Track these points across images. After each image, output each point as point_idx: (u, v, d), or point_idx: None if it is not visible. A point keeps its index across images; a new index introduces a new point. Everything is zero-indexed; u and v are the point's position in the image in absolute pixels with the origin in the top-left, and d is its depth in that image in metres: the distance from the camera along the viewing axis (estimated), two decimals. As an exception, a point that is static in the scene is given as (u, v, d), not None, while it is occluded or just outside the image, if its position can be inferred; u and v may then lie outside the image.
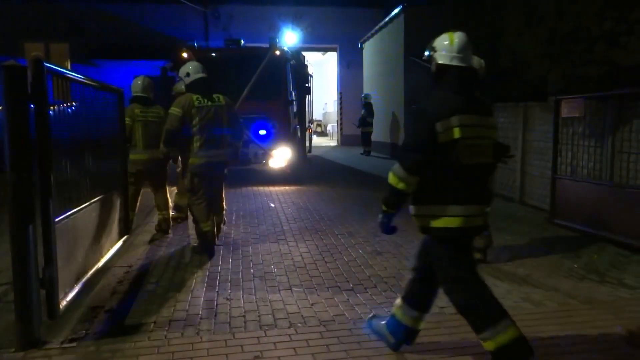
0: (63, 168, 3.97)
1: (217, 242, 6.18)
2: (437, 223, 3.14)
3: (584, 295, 4.48)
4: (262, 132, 10.83)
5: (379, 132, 19.02)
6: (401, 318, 3.36)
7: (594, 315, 4.04)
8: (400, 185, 3.07)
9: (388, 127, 17.76)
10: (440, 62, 3.17)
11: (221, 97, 5.95)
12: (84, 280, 4.34)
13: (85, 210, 4.48)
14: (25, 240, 3.40)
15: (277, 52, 11.04)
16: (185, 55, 10.60)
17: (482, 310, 3.07)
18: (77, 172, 4.36)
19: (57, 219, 3.70)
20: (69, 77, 4.01)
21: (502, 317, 3.04)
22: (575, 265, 5.32)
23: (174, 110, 5.69)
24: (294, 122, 12.04)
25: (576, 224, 6.69)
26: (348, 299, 4.44)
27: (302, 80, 12.39)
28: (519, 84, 9.08)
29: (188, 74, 5.94)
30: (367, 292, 4.63)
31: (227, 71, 10.32)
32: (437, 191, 3.09)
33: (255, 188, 10.74)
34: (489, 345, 3.03)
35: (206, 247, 5.80)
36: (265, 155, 10.91)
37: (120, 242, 5.83)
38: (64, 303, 3.80)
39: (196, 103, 5.67)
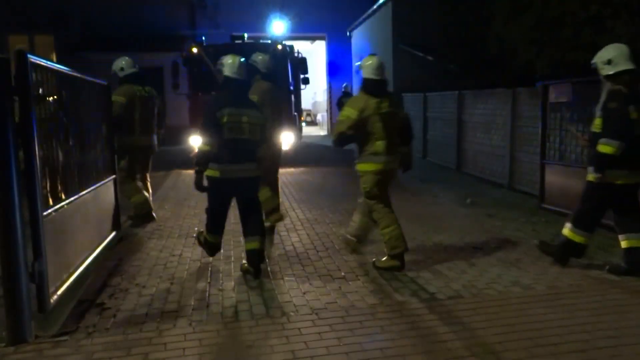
0: (50, 161, 3.94)
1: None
2: (207, 173, 4.67)
3: (572, 278, 4.54)
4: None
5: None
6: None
7: (582, 298, 4.10)
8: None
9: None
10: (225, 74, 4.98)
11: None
12: (75, 274, 4.31)
13: (74, 203, 4.45)
14: (13, 234, 3.38)
15: (279, 47, 12.55)
16: (195, 50, 12.08)
17: None
18: (66, 165, 4.32)
19: (45, 213, 3.67)
20: (53, 70, 3.96)
21: None
22: (563, 249, 5.37)
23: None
24: (293, 110, 13.05)
25: (565, 208, 6.74)
26: (340, 287, 4.46)
27: (300, 71, 13.33)
28: (507, 70, 9.12)
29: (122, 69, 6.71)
30: (359, 279, 4.66)
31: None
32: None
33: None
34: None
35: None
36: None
37: (111, 235, 5.81)
38: (54, 297, 3.78)
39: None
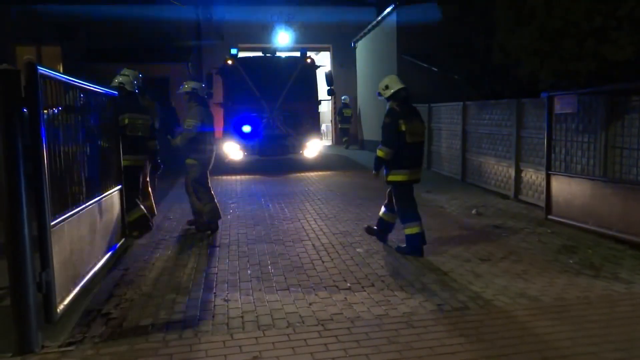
0: (59, 171, 3.96)
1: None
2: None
3: (579, 290, 4.51)
4: (296, 126, 13.32)
5: (373, 131, 19.04)
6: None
7: (590, 310, 4.07)
8: None
9: (381, 125, 17.79)
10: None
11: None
12: (81, 284, 4.33)
13: (82, 213, 4.47)
14: (21, 244, 3.39)
15: (308, 60, 13.71)
16: (229, 62, 13.27)
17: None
18: (74, 175, 4.35)
19: (52, 223, 3.69)
20: (62, 81, 4.00)
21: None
22: (570, 261, 5.36)
23: None
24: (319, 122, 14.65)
25: (571, 219, 6.74)
26: (346, 298, 4.45)
27: (326, 83, 14.60)
28: (511, 80, 9.13)
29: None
30: (365, 290, 4.65)
31: (264, 76, 13.13)
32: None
33: (253, 186, 10.75)
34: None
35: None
36: (302, 146, 13.32)
37: (117, 244, 5.82)
38: (61, 307, 3.80)
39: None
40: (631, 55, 6.39)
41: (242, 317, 4.09)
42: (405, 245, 5.81)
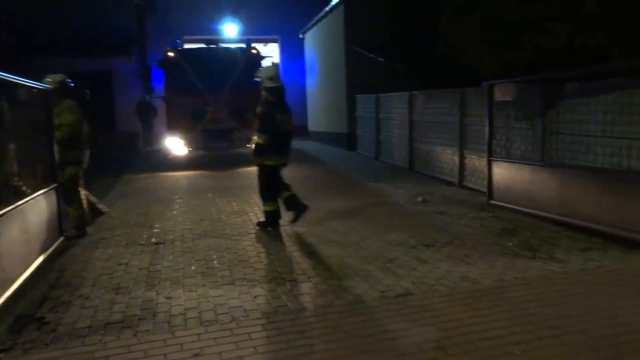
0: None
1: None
2: None
3: (517, 271, 4.65)
4: (245, 120, 12.75)
5: (320, 122, 19.08)
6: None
7: (527, 290, 4.20)
8: None
9: (329, 116, 17.83)
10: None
11: None
12: (11, 288, 4.10)
13: (10, 214, 4.23)
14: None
15: (253, 51, 13.27)
16: (171, 54, 12.76)
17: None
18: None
19: (-26, 225, 3.47)
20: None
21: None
22: (510, 243, 5.52)
23: None
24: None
25: (511, 203, 6.94)
26: (291, 290, 4.42)
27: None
28: (456, 70, 9.31)
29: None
30: (311, 281, 4.63)
31: (208, 68, 12.69)
32: None
33: (199, 181, 10.53)
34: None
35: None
36: (248, 139, 12.55)
37: (53, 246, 5.57)
38: (-13, 313, 3.58)
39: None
40: (565, 45, 6.63)
41: (184, 314, 3.99)
42: (264, 220, 6.60)
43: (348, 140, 15.70)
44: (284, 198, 6.56)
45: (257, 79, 6.50)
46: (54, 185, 5.84)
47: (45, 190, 5.49)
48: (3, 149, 4.57)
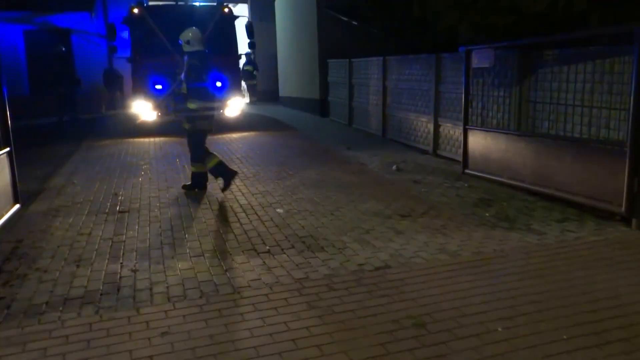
0: None
1: None
2: None
3: (495, 243, 4.57)
4: (218, 84, 11.71)
5: (292, 87, 18.66)
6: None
7: (506, 263, 4.12)
8: None
9: (301, 81, 17.43)
10: None
11: None
12: (-41, 261, 3.78)
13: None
14: None
15: (226, 10, 12.43)
16: (136, 11, 11.86)
17: None
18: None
19: None
20: None
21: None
22: (487, 214, 5.44)
23: None
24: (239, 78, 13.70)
25: (487, 173, 6.87)
26: (264, 262, 4.23)
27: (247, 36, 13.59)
28: (431, 34, 9.07)
29: None
30: (285, 253, 4.44)
31: (177, 27, 10.97)
32: None
33: (147, 139, 10.14)
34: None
35: None
36: (222, 105, 11.83)
37: (8, 214, 5.21)
38: None
39: None
40: (546, 9, 6.46)
41: (150, 288, 3.76)
42: (190, 182, 6.69)
43: (320, 107, 15.39)
44: (211, 166, 6.53)
45: (179, 42, 6.47)
46: (7, 149, 5.44)
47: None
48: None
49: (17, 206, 5.50)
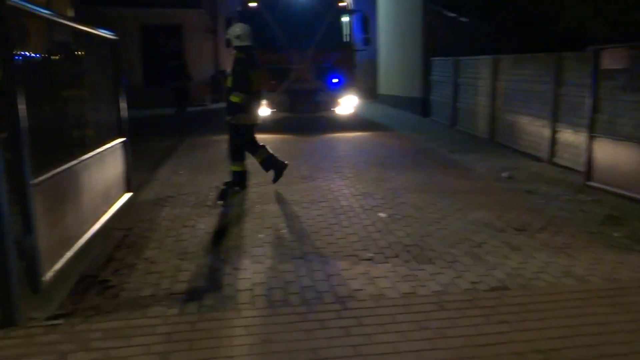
0: (44, 122, 3.48)
1: None
2: None
3: (632, 269, 3.98)
4: (335, 80, 11.71)
5: (392, 85, 18.24)
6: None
7: (648, 295, 3.56)
8: None
9: (401, 79, 16.93)
10: None
11: None
12: (75, 247, 3.91)
13: (73, 169, 4.01)
14: (-2, 206, 2.95)
15: (343, 3, 11.82)
16: (254, 4, 11.47)
17: None
18: (61, 126, 3.87)
19: (35, 181, 3.23)
20: (40, 16, 3.43)
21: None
22: (616, 234, 4.80)
23: None
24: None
25: (615, 187, 6.12)
26: (367, 271, 3.98)
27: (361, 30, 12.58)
28: (552, 32, 8.31)
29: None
30: (388, 262, 4.17)
31: (293, 20, 11.46)
32: None
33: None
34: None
35: None
36: (335, 102, 11.67)
37: (120, 202, 5.40)
38: (50, 274, 3.39)
39: None
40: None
41: (251, 289, 3.66)
42: (230, 180, 6.41)
43: (421, 106, 14.87)
44: (261, 158, 6.54)
45: (227, 37, 6.44)
46: (123, 139, 5.65)
47: (113, 144, 5.30)
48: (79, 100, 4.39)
49: (129, 195, 5.70)
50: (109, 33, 5.33)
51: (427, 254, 4.32)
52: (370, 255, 4.33)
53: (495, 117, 10.24)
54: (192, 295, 3.58)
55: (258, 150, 6.52)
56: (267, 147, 6.60)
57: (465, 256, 4.27)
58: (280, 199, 6.12)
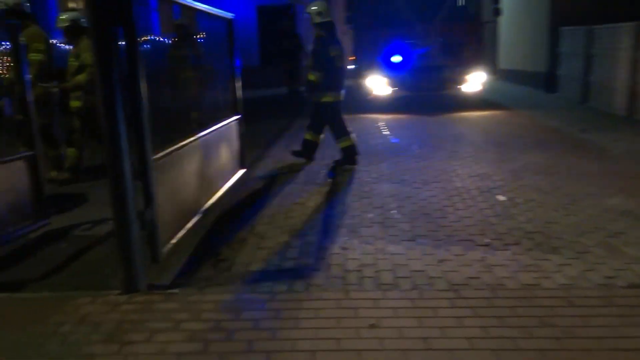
0: (163, 100, 3.61)
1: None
2: None
3: None
4: (462, 55, 10.87)
5: (512, 59, 16.99)
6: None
7: None
8: None
9: (523, 52, 15.67)
10: None
11: None
12: (192, 220, 4.07)
13: (192, 145, 4.16)
14: (122, 181, 3.11)
15: None
16: None
17: None
18: (182, 104, 4.01)
19: (157, 156, 3.37)
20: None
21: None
22: None
23: None
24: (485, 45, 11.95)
25: None
26: (484, 258, 3.70)
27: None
28: None
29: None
30: (508, 249, 3.84)
31: None
32: None
33: (370, 115, 10.03)
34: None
35: None
36: (461, 79, 10.91)
37: (234, 178, 5.56)
38: (168, 246, 3.55)
39: None
40: None
41: (360, 270, 3.56)
42: (341, 158, 6.47)
43: (546, 81, 13.69)
44: (344, 145, 6.45)
45: (306, 15, 6.34)
46: (238, 116, 5.79)
47: (230, 120, 5.45)
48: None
49: (243, 170, 5.85)
50: (225, 13, 5.45)
51: (553, 243, 3.92)
52: (487, 240, 4.03)
53: (637, 92, 9.10)
54: (300, 272, 3.56)
55: (343, 135, 6.44)
56: (354, 135, 6.53)
57: (599, 247, 3.81)
58: (391, 178, 5.94)
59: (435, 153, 7.14)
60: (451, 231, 4.26)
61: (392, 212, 4.79)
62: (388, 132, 8.80)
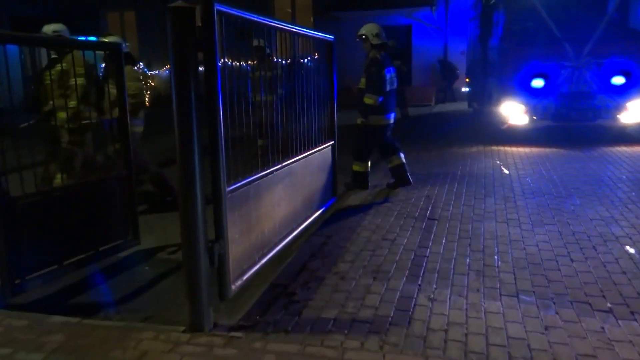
0: (242, 126, 3.46)
1: None
2: None
3: None
4: (619, 80, 9.08)
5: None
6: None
7: None
8: None
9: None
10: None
11: None
12: (269, 254, 3.87)
13: (275, 175, 3.97)
14: (193, 212, 2.96)
15: None
16: None
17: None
18: (263, 130, 3.84)
19: (230, 188, 3.20)
20: (246, 20, 3.39)
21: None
22: None
23: None
24: None
25: None
26: (603, 328, 3.04)
27: None
28: None
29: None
30: (636, 320, 3.14)
31: (567, 4, 9.44)
32: None
33: (484, 147, 9.27)
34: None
35: None
36: (620, 107, 9.14)
37: (323, 208, 5.31)
38: (239, 282, 3.36)
39: None
40: None
41: (445, 331, 3.09)
42: (393, 180, 6.51)
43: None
44: (393, 165, 6.41)
45: (362, 36, 6.16)
46: (332, 142, 5.56)
47: (323, 146, 5.23)
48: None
49: (333, 200, 5.59)
50: (326, 35, 5.28)
51: (699, 317, 3.14)
52: (608, 305, 3.34)
53: None
54: (377, 326, 3.17)
55: (391, 155, 6.39)
56: (402, 155, 6.45)
57: None
58: (497, 216, 5.32)
59: (551, 188, 6.34)
60: (563, 288, 3.61)
61: (494, 257, 4.22)
62: (503, 168, 8.06)
